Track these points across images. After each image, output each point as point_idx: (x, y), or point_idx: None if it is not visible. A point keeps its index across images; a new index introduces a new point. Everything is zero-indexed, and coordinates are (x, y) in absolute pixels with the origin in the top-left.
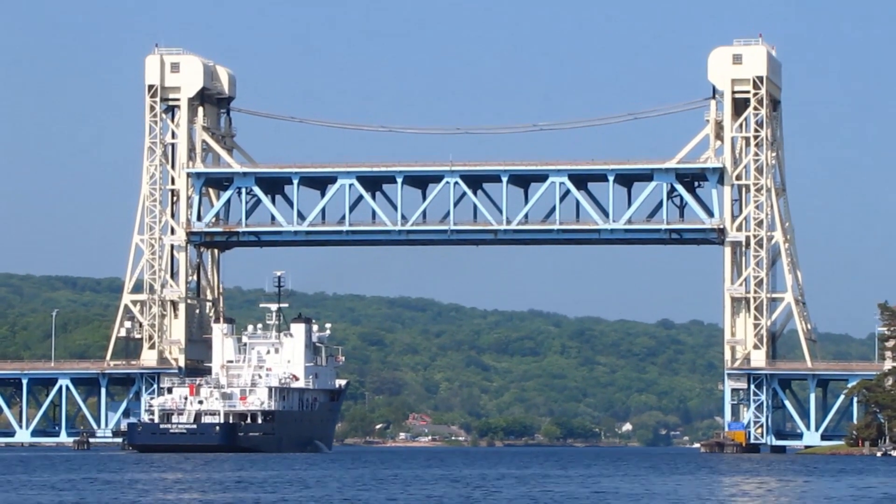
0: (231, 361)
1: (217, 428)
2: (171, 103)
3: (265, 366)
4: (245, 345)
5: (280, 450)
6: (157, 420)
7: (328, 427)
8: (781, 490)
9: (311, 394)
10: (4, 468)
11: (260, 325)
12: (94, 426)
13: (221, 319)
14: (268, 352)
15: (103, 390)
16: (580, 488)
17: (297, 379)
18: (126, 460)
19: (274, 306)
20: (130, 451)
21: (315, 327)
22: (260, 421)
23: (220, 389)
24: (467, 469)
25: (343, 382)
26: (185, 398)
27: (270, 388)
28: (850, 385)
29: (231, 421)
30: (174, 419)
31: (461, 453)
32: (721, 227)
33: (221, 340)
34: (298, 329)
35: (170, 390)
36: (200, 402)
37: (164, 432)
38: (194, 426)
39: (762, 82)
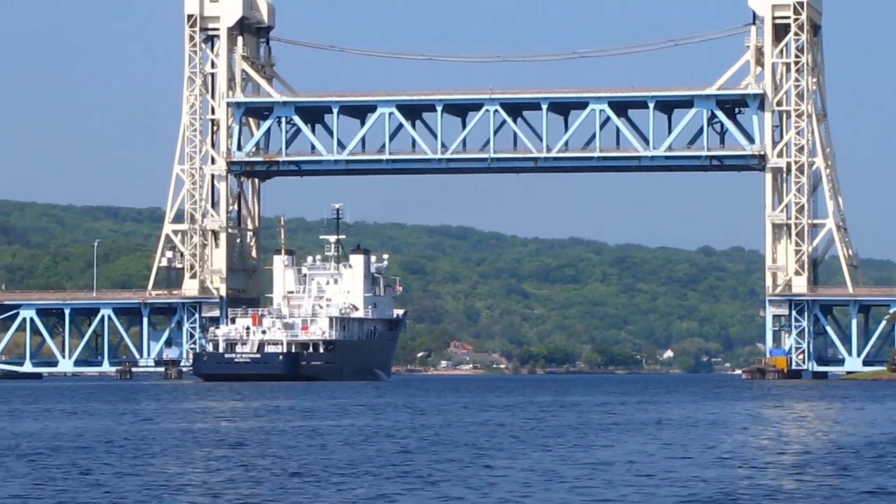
0: (292, 292)
1: (280, 357)
2: (210, 33)
3: (325, 296)
4: (305, 276)
5: (341, 378)
6: (221, 350)
7: (387, 356)
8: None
9: (371, 323)
10: (125, 395)
11: (319, 257)
12: (137, 355)
13: (282, 251)
14: (327, 283)
15: (145, 320)
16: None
17: (356, 309)
18: (204, 389)
19: (333, 238)
20: (196, 381)
21: (373, 258)
22: (322, 350)
23: (282, 319)
24: (598, 395)
25: (400, 312)
26: (248, 328)
27: (331, 318)
28: (892, 310)
29: (293, 350)
30: (238, 349)
31: (522, 381)
32: (762, 153)
33: (282, 271)
34: (357, 260)
35: (233, 320)
36: (263, 332)
37: (230, 361)
38: (258, 356)
39: (803, 7)
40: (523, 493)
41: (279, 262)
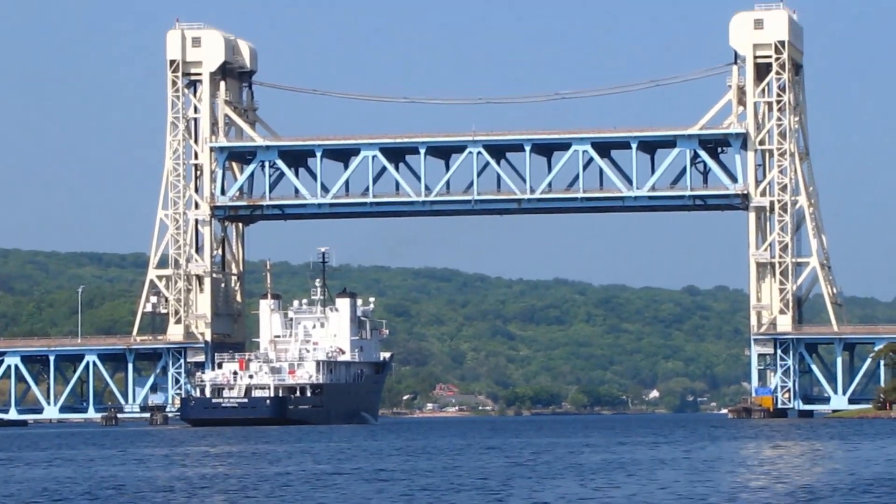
0: (278, 336)
1: (268, 401)
2: (192, 78)
3: (312, 340)
4: (291, 320)
5: (329, 422)
6: (208, 394)
7: (374, 399)
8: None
9: (357, 367)
10: (114, 442)
11: (305, 301)
12: (122, 402)
13: (269, 295)
14: (314, 326)
15: (130, 366)
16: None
17: (343, 352)
18: (197, 435)
19: (319, 281)
20: (184, 426)
21: (359, 301)
22: (309, 394)
23: (269, 364)
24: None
25: (387, 355)
26: (236, 373)
27: (318, 362)
28: (876, 348)
29: (281, 394)
30: (225, 393)
31: (508, 423)
32: (745, 192)
33: (269, 316)
34: (343, 303)
35: (220, 365)
36: (251, 377)
37: (217, 406)
38: (245, 400)
39: (784, 47)
40: None
41: (265, 306)
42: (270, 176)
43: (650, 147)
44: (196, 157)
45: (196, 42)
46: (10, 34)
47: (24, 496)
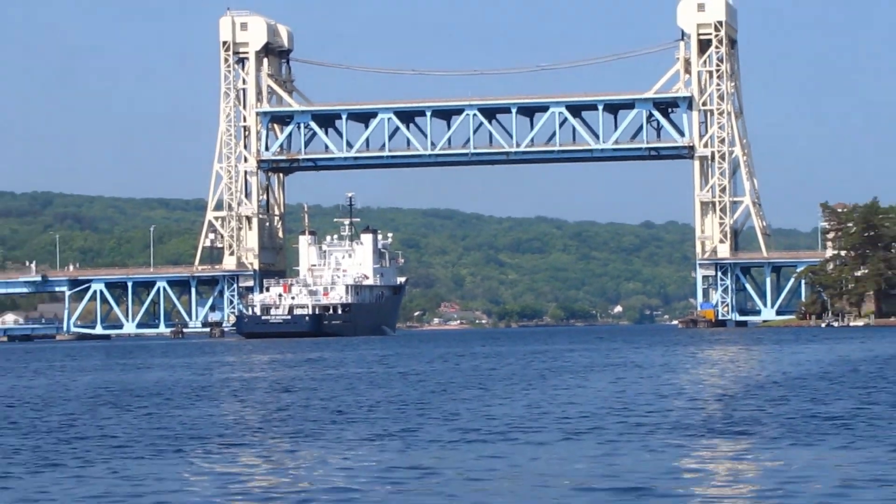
0: (314, 265)
1: (307, 318)
2: (241, 56)
3: (342, 268)
4: (325, 252)
5: (356, 334)
6: (258, 312)
7: (392, 316)
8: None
9: (379, 289)
10: (189, 352)
11: (336, 236)
12: (187, 319)
13: (306, 232)
14: (343, 257)
15: (193, 290)
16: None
17: (367, 278)
18: (251, 346)
19: (347, 220)
20: (238, 339)
21: (379, 236)
22: (340, 312)
23: (307, 288)
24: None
25: (402, 279)
26: (281, 295)
27: (347, 286)
28: (798, 270)
29: (317, 312)
30: (273, 312)
31: (501, 334)
32: (691, 144)
33: (307, 249)
34: (367, 238)
35: (268, 289)
36: (293, 298)
37: (266, 322)
38: (289, 317)
39: (722, 25)
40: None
41: (304, 241)
42: (305, 135)
43: (613, 108)
44: (244, 120)
45: (244, 26)
46: (107, 22)
47: (139, 390)
